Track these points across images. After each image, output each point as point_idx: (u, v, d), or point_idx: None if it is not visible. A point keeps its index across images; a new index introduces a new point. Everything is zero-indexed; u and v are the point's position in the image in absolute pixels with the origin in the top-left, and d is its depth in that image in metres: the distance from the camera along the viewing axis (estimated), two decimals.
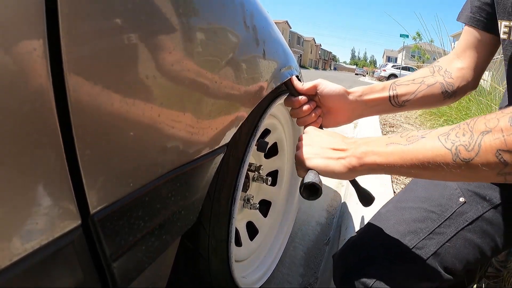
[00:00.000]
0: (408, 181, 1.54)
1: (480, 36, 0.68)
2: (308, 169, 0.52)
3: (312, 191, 0.50)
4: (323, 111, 0.69)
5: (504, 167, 0.35)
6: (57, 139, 0.27)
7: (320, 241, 1.29)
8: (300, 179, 0.53)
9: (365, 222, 1.17)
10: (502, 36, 0.61)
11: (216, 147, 0.51)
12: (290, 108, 0.70)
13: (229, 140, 0.55)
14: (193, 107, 0.43)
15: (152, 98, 0.36)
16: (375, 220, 0.63)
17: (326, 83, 0.67)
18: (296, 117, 0.69)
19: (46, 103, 0.26)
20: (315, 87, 0.67)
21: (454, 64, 0.71)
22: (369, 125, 2.83)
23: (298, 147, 0.57)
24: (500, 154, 0.35)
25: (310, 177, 0.50)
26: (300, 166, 0.54)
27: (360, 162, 0.47)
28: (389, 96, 0.68)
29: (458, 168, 0.38)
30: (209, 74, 0.45)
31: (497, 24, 0.62)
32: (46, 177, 0.27)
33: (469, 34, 0.70)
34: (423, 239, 0.56)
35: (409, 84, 0.68)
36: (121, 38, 0.32)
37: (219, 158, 0.53)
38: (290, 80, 0.71)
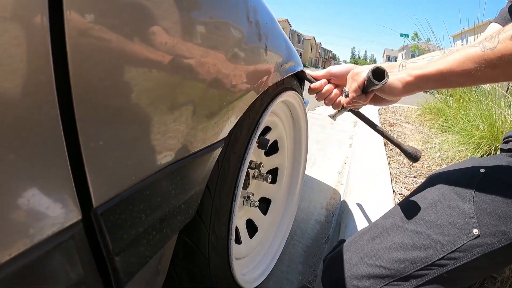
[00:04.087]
0: (408, 188, 1.54)
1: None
2: (364, 77, 0.62)
3: (380, 74, 0.58)
4: (342, 88, 0.78)
5: None
6: (59, 130, 0.27)
7: (319, 239, 1.29)
8: None
9: (365, 220, 1.17)
10: None
11: (215, 141, 0.51)
12: (315, 94, 0.80)
13: (227, 134, 0.55)
14: (192, 101, 0.43)
15: (153, 92, 0.36)
16: (371, 232, 0.61)
17: (336, 66, 0.79)
18: (323, 98, 0.78)
19: (49, 95, 0.26)
20: (328, 71, 0.78)
21: None
22: None
23: (353, 70, 0.69)
24: None
25: (373, 67, 0.59)
26: (358, 76, 0.65)
27: (410, 75, 0.57)
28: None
29: (487, 57, 0.48)
30: (209, 68, 0.45)
31: None
32: (48, 172, 0.27)
33: (492, 29, 0.80)
34: (420, 269, 0.53)
35: (419, 61, 0.75)
36: (125, 31, 0.32)
37: (217, 152, 0.53)
38: (305, 73, 0.83)
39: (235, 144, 0.62)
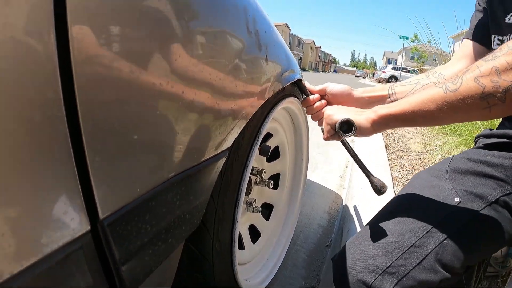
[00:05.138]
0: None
1: (475, 47, 0.80)
2: (336, 122, 0.65)
3: (349, 126, 0.62)
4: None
5: (483, 89, 0.46)
6: (67, 145, 0.28)
7: (322, 243, 1.30)
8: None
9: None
10: (494, 47, 0.72)
11: (219, 151, 0.52)
12: (306, 107, 0.84)
13: (231, 144, 0.56)
14: (196, 111, 0.44)
15: (157, 104, 0.37)
16: (373, 222, 0.65)
17: (334, 84, 0.82)
18: (311, 113, 0.82)
19: (56, 108, 0.27)
20: (325, 89, 0.82)
21: (448, 69, 0.82)
22: None
23: (326, 110, 0.70)
24: (478, 79, 0.47)
25: (343, 118, 0.63)
26: (330, 120, 0.67)
27: (377, 114, 0.60)
28: (388, 94, 0.80)
29: (449, 99, 0.49)
30: (212, 79, 0.46)
31: (491, 38, 0.73)
32: (55, 183, 0.28)
33: (466, 45, 0.82)
34: (421, 237, 0.57)
35: (406, 84, 0.81)
36: (127, 43, 0.32)
37: (221, 162, 0.54)
38: (303, 83, 0.85)
39: (238, 151, 0.63)
